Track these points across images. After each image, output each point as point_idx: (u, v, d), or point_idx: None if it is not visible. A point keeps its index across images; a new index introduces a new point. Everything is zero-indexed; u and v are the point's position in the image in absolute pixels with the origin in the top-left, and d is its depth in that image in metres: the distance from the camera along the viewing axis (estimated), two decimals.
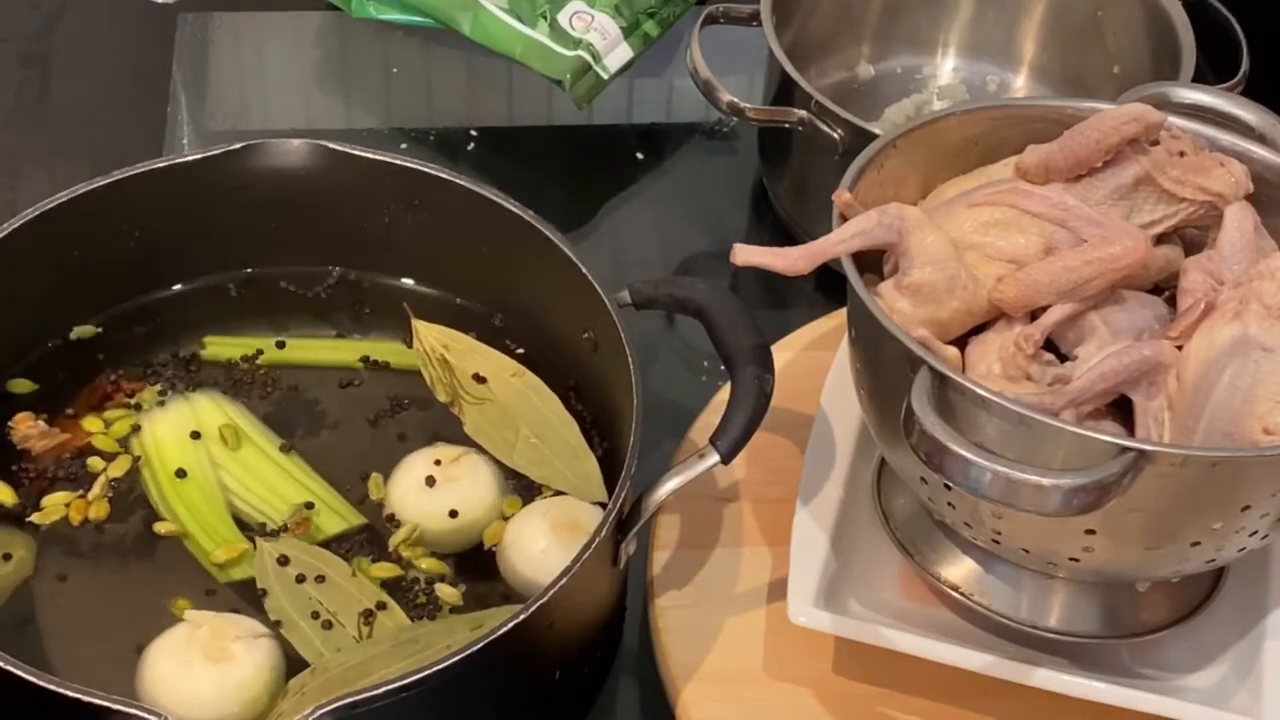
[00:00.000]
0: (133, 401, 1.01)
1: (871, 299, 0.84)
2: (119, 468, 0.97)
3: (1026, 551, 0.86)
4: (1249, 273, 0.85)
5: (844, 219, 0.87)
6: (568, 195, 1.26)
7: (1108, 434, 0.80)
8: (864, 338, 0.88)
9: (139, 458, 0.98)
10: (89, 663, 0.89)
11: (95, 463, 0.98)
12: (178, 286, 1.06)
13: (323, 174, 1.03)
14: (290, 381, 1.03)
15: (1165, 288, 0.89)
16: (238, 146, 1.02)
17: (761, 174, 1.26)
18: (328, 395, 1.03)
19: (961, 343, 0.86)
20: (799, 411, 1.00)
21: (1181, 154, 0.88)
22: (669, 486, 0.89)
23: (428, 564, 0.94)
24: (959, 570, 0.92)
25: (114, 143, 1.25)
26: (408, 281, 1.07)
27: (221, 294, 1.06)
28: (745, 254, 0.88)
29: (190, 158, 1.02)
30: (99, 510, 0.96)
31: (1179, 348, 0.83)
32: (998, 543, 0.86)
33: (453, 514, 0.95)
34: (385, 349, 1.04)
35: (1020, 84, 1.30)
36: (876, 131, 1.06)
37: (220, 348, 1.04)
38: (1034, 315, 0.85)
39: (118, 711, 0.78)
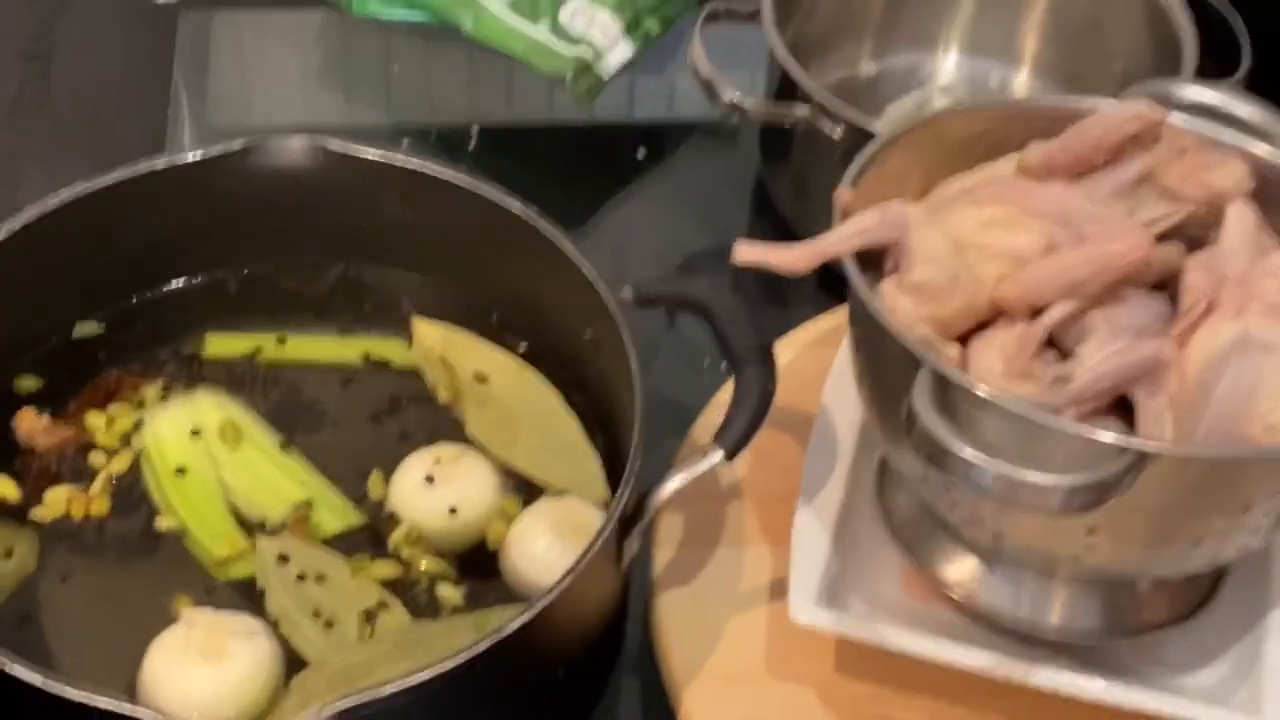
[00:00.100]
0: (135, 398, 1.01)
1: (873, 297, 0.84)
2: (120, 463, 0.98)
3: (1027, 550, 0.86)
4: (1251, 271, 0.85)
5: (845, 217, 0.87)
6: (568, 193, 1.26)
7: (1109, 433, 0.80)
8: (865, 336, 0.88)
9: (140, 454, 0.98)
10: (89, 660, 0.89)
11: (97, 458, 0.98)
12: (179, 284, 1.06)
13: (322, 173, 1.03)
14: (291, 379, 1.03)
15: (1167, 286, 0.89)
16: (236, 146, 1.02)
17: (763, 172, 1.26)
18: (329, 393, 1.03)
19: (963, 341, 0.86)
20: (800, 410, 1.00)
21: (1183, 152, 0.88)
22: (672, 485, 0.89)
23: (428, 563, 0.94)
24: (960, 569, 0.92)
25: (115, 141, 1.25)
26: (409, 279, 1.07)
27: (222, 291, 1.06)
28: (746, 252, 0.88)
29: (190, 158, 1.02)
30: (100, 506, 0.96)
31: (1180, 346, 0.83)
32: (999, 542, 0.86)
33: (452, 511, 0.95)
34: (387, 346, 1.04)
35: (1022, 81, 1.29)
36: (878, 129, 1.06)
37: (221, 345, 1.04)
38: (1035, 314, 0.85)
39: (117, 713, 0.78)
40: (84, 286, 1.02)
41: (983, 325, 0.87)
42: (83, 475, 0.97)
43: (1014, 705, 0.90)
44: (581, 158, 1.30)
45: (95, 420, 0.99)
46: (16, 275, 0.97)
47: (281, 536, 0.94)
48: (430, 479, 0.95)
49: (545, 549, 0.92)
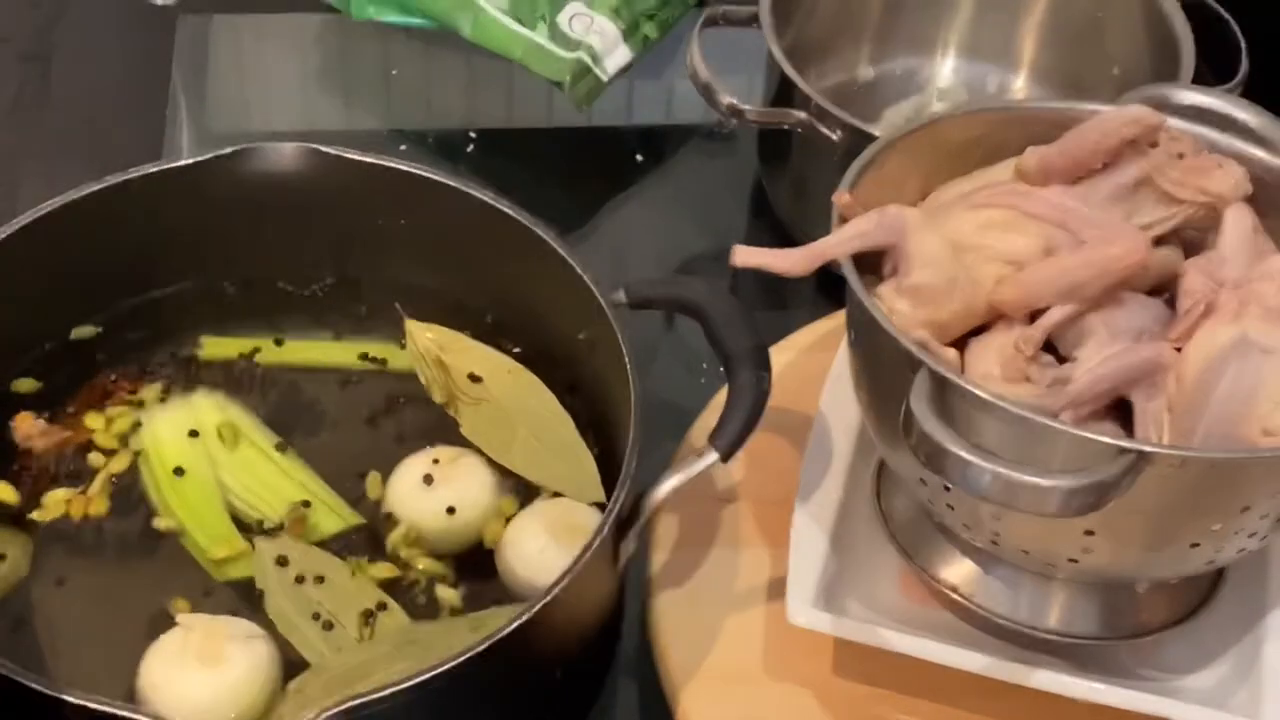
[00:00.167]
0: (134, 399, 1.01)
1: (871, 300, 0.84)
2: (119, 464, 0.98)
3: (1026, 553, 0.86)
4: (1248, 274, 0.85)
5: (844, 220, 0.87)
6: (567, 197, 1.26)
7: (1107, 435, 0.80)
8: (863, 339, 0.88)
9: (139, 454, 0.98)
10: (86, 664, 0.89)
11: (96, 459, 0.98)
12: (176, 287, 1.06)
13: (315, 177, 1.03)
14: (288, 381, 1.03)
15: (1165, 289, 0.89)
16: (229, 151, 1.02)
17: (761, 176, 1.26)
18: (326, 394, 1.03)
19: (961, 344, 0.86)
20: (798, 412, 1.00)
21: (1181, 156, 0.88)
22: (668, 485, 0.89)
23: (425, 564, 0.94)
24: (958, 571, 0.92)
25: (113, 143, 1.25)
26: (404, 281, 1.06)
27: (219, 294, 1.06)
28: (745, 255, 0.88)
29: (183, 162, 1.02)
30: (99, 506, 0.96)
31: (1178, 349, 0.83)
32: (997, 544, 0.86)
33: (450, 511, 0.95)
34: (383, 349, 1.05)
35: (1020, 85, 1.30)
36: (876, 133, 1.06)
37: (218, 348, 1.04)
38: (1033, 317, 0.85)
39: (116, 716, 0.78)
40: (81, 289, 1.02)
41: (981, 328, 0.87)
42: (81, 477, 0.97)
43: (1012, 707, 0.90)
44: (580, 161, 1.30)
45: (93, 421, 0.99)
46: (13, 278, 0.97)
47: (280, 538, 0.94)
48: (428, 479, 0.95)
49: (540, 550, 0.92)
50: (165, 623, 0.89)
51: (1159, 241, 0.88)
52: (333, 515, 0.96)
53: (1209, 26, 1.19)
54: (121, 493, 0.97)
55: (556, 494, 0.96)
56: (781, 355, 1.07)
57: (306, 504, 0.96)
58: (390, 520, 0.95)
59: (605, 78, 1.24)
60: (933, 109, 1.27)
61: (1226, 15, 1.20)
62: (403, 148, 1.28)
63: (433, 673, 0.79)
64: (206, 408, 1.00)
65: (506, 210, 1.00)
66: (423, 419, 1.01)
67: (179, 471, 0.97)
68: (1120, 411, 0.84)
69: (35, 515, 0.95)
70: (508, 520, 0.95)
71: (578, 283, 0.96)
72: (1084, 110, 0.91)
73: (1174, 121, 0.91)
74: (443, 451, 0.97)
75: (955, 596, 0.92)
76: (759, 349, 0.92)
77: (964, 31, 1.30)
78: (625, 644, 0.97)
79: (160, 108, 1.29)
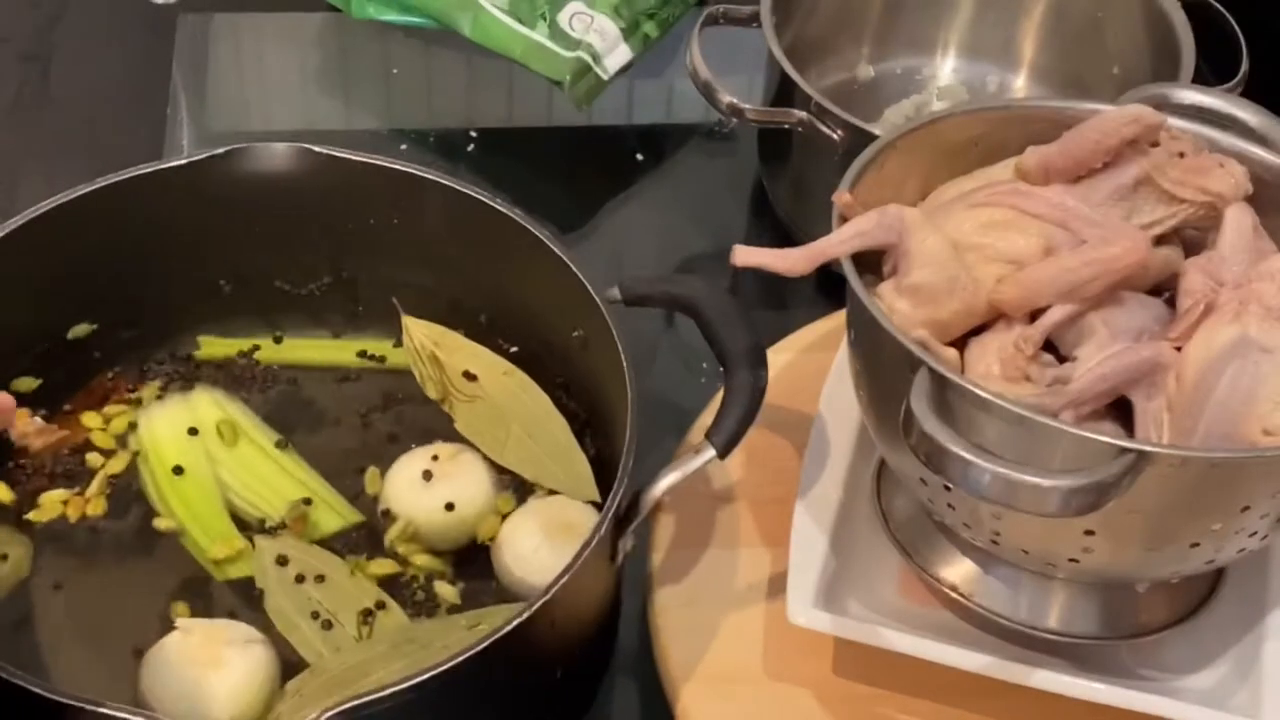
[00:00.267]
0: (133, 397, 1.01)
1: (871, 300, 0.84)
2: (117, 464, 0.98)
3: (1026, 552, 0.86)
4: (1249, 274, 0.85)
5: (844, 220, 0.87)
6: (567, 196, 1.26)
7: (1107, 435, 0.80)
8: (863, 339, 0.88)
9: (137, 454, 0.98)
10: (85, 666, 0.89)
11: (94, 459, 0.98)
12: (173, 286, 1.05)
13: (308, 177, 1.03)
14: (286, 379, 1.03)
15: (1165, 289, 0.89)
16: (222, 151, 1.02)
17: (761, 175, 1.26)
18: (325, 391, 1.03)
19: (961, 344, 0.86)
20: (798, 412, 1.00)
21: (1181, 155, 0.88)
22: (666, 482, 0.89)
23: (422, 560, 0.94)
24: (958, 571, 0.92)
25: (114, 143, 1.25)
26: (399, 280, 1.06)
27: (216, 293, 1.06)
28: (745, 255, 0.88)
29: (177, 162, 1.02)
30: (96, 507, 0.96)
31: (1178, 349, 0.83)
32: (997, 544, 0.86)
33: (449, 507, 0.95)
34: (380, 346, 1.05)
35: (1020, 85, 1.30)
36: (876, 132, 1.06)
37: (216, 346, 1.04)
38: (1033, 316, 0.85)
39: (115, 718, 0.78)
40: (78, 288, 1.02)
41: (981, 328, 0.87)
42: (79, 476, 0.97)
43: (1011, 707, 0.90)
44: (580, 160, 1.30)
45: (91, 420, 0.99)
46: (10, 277, 0.97)
47: (280, 537, 0.94)
48: (428, 475, 0.95)
49: (534, 549, 0.92)
50: (164, 624, 0.89)
51: (1159, 241, 0.88)
52: (332, 513, 0.96)
53: (1209, 26, 1.19)
54: (119, 493, 0.97)
55: (552, 491, 0.96)
56: (782, 355, 1.07)
57: (308, 501, 0.96)
58: (388, 516, 0.95)
59: (605, 77, 1.24)
60: (933, 108, 1.27)
61: (1227, 14, 1.20)
62: (403, 147, 1.28)
63: (432, 672, 0.79)
64: (205, 406, 1.01)
65: (500, 208, 1.00)
66: (420, 416, 1.01)
67: (178, 470, 0.97)
68: (1120, 411, 0.84)
69: (31, 515, 0.95)
70: (504, 517, 0.95)
71: (572, 280, 0.96)
72: (1084, 110, 0.91)
73: (1174, 121, 0.91)
74: (442, 448, 0.97)
75: (955, 596, 0.92)
76: (755, 345, 0.92)
77: (964, 31, 1.30)
78: (625, 643, 0.97)
79: (160, 108, 1.29)
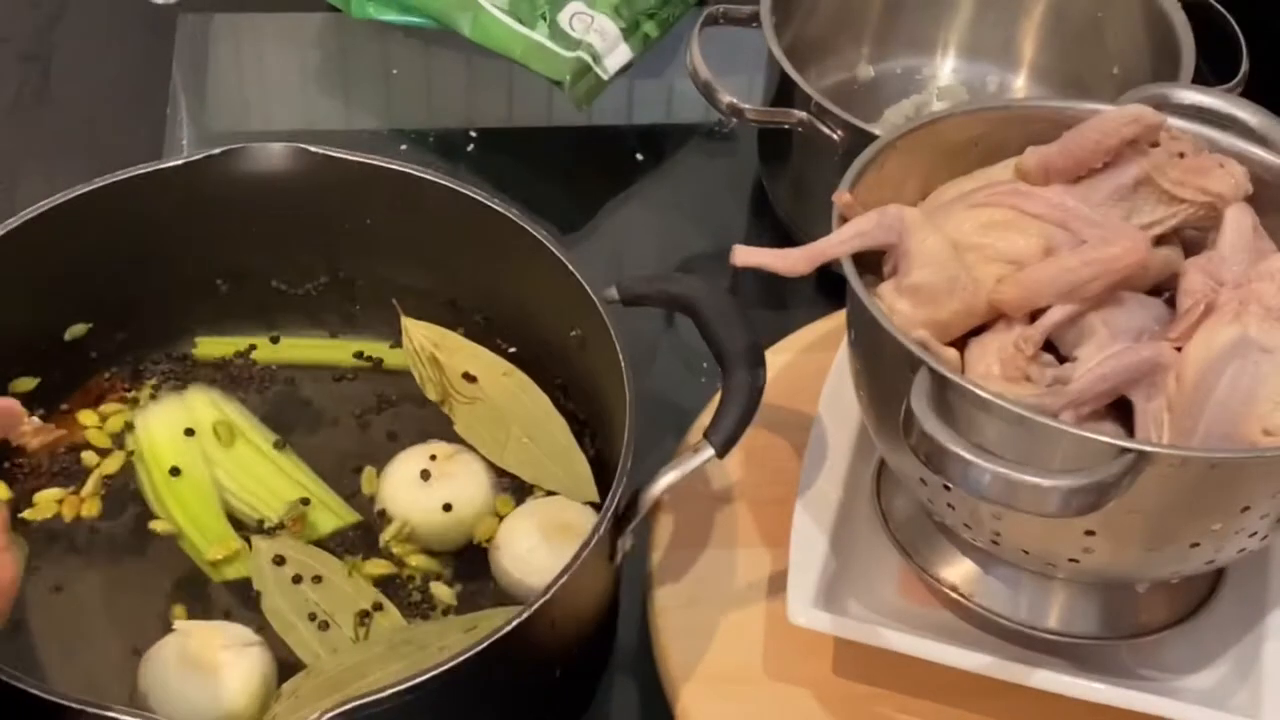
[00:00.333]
0: (129, 397, 1.01)
1: (871, 300, 0.84)
2: (113, 464, 0.98)
3: (1026, 552, 0.86)
4: (1249, 274, 0.85)
5: (844, 220, 0.87)
6: (567, 196, 1.26)
7: (1107, 435, 0.80)
8: (863, 339, 0.88)
9: (133, 453, 0.98)
10: (81, 668, 0.89)
11: (89, 458, 0.98)
12: (169, 286, 1.05)
13: (305, 177, 1.03)
14: (283, 379, 1.03)
15: (1165, 289, 0.89)
16: (218, 151, 1.02)
17: (761, 175, 1.26)
18: (321, 391, 1.03)
19: (961, 344, 0.86)
20: (798, 412, 1.00)
21: (1181, 155, 0.88)
22: (664, 481, 0.89)
23: (417, 560, 0.94)
24: (958, 571, 0.92)
25: (113, 143, 1.25)
26: (397, 280, 1.06)
27: (213, 293, 1.06)
28: (745, 255, 0.88)
29: (174, 163, 1.02)
30: (92, 507, 0.96)
31: (1178, 349, 0.83)
32: (997, 544, 0.86)
33: (447, 508, 0.95)
34: (377, 347, 1.05)
35: (1020, 85, 1.30)
36: (876, 132, 1.06)
37: (212, 346, 1.04)
38: (1034, 316, 0.85)
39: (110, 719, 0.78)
40: (75, 288, 1.02)
41: (981, 328, 0.87)
42: (75, 475, 0.97)
43: (1011, 707, 0.90)
44: (580, 160, 1.30)
45: (88, 419, 0.99)
46: (9, 278, 0.97)
47: (277, 538, 0.94)
48: (426, 475, 0.95)
49: (531, 549, 0.92)
50: (161, 625, 0.89)
51: (1159, 241, 0.88)
52: (330, 513, 0.96)
53: (1209, 26, 1.19)
54: (114, 494, 0.97)
55: (550, 492, 0.96)
56: (781, 355, 1.07)
57: (305, 502, 0.96)
58: (384, 517, 0.95)
59: (605, 77, 1.24)
60: (933, 108, 1.27)
61: (1227, 15, 1.20)
62: (403, 147, 1.28)
63: (432, 673, 0.79)
64: (202, 406, 1.01)
65: (497, 208, 1.00)
66: (417, 417, 1.01)
67: (175, 471, 0.97)
68: (1120, 411, 0.84)
69: (27, 514, 0.95)
70: (501, 519, 0.95)
71: (570, 280, 0.96)
72: (1084, 110, 0.91)
73: (1174, 121, 0.90)
74: (440, 447, 0.97)
75: (955, 596, 0.92)
76: (753, 345, 0.92)
77: (964, 31, 1.30)
78: (624, 643, 0.97)
79: (160, 108, 1.29)
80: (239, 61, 1.39)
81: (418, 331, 1.03)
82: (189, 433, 0.99)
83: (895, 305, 0.85)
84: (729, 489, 1.01)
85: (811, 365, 1.04)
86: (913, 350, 0.81)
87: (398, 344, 1.04)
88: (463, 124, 1.31)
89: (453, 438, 0.99)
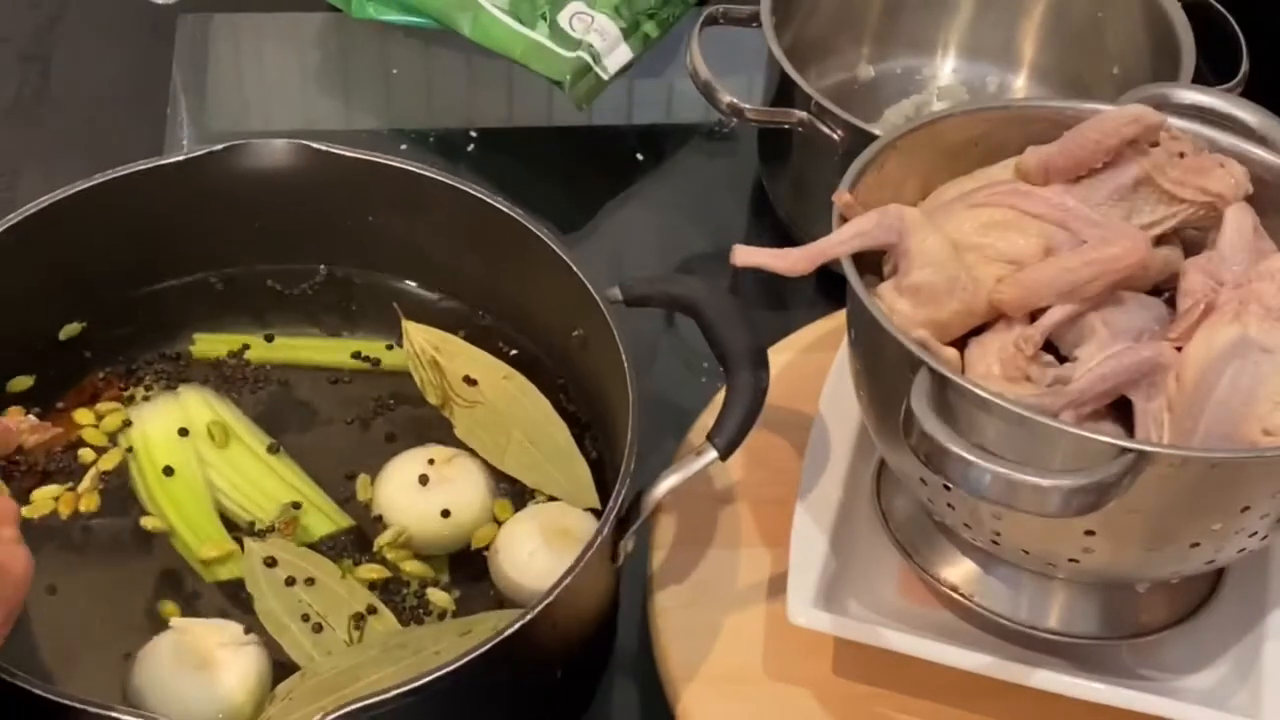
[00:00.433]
0: (125, 394, 1.01)
1: (871, 300, 0.84)
2: (110, 461, 0.97)
3: (1026, 552, 0.86)
4: (1249, 274, 0.85)
5: (844, 220, 0.87)
6: (567, 196, 1.26)
7: (1107, 435, 0.80)
8: (864, 339, 0.88)
9: (130, 451, 0.98)
10: (75, 665, 0.89)
11: (86, 454, 0.98)
12: (165, 284, 1.06)
13: (307, 173, 1.03)
14: (279, 379, 1.03)
15: (1165, 289, 0.89)
16: (220, 147, 1.02)
17: (761, 175, 1.26)
18: (317, 393, 1.02)
19: (961, 344, 0.86)
20: (798, 412, 1.00)
21: (1181, 155, 0.88)
22: (667, 484, 0.89)
23: (411, 566, 0.93)
24: (958, 571, 0.92)
25: (113, 143, 1.25)
26: (396, 280, 1.06)
27: (209, 292, 1.06)
28: (745, 255, 0.88)
29: (174, 159, 1.02)
30: (89, 503, 0.96)
31: (1179, 349, 0.83)
32: (997, 544, 0.86)
33: (445, 514, 0.94)
34: (375, 347, 1.04)
35: (1020, 85, 1.30)
36: (876, 132, 1.06)
37: (208, 345, 1.04)
38: (1034, 316, 0.85)
39: (109, 718, 0.78)
40: (71, 287, 1.02)
41: (981, 328, 0.87)
42: (71, 473, 0.97)
43: (1011, 707, 0.90)
44: (580, 160, 1.30)
45: (83, 418, 0.99)
46: (7, 276, 0.97)
47: (269, 539, 0.94)
48: (424, 479, 0.95)
49: (532, 554, 0.92)
50: (154, 623, 0.89)
51: (1159, 241, 0.88)
52: (322, 517, 0.95)
53: (1209, 26, 1.19)
54: (112, 490, 0.96)
55: (551, 497, 0.96)
56: (781, 355, 1.07)
57: (297, 505, 0.95)
58: (380, 522, 0.95)
59: (605, 77, 1.24)
60: (933, 108, 1.27)
61: (1227, 14, 1.20)
62: (403, 147, 1.28)
63: (436, 675, 0.79)
64: (197, 405, 1.00)
65: (500, 207, 1.00)
66: (414, 419, 1.01)
67: (168, 471, 0.97)
68: (1120, 411, 0.84)
69: (24, 512, 0.94)
70: (500, 523, 0.95)
71: (573, 280, 0.96)
72: (1084, 110, 0.91)
73: (1174, 121, 0.90)
74: (438, 451, 0.97)
75: (955, 596, 0.92)
76: (756, 346, 0.92)
77: (964, 31, 1.30)
78: (624, 643, 0.97)
79: (160, 108, 1.29)
80: (239, 61, 1.39)
81: (418, 335, 1.03)
82: (183, 432, 0.99)
83: (895, 305, 0.85)
84: (729, 489, 1.01)
85: (811, 365, 1.04)
86: (913, 350, 0.81)
87: (394, 345, 1.04)
88: (463, 124, 1.31)
89: (451, 440, 0.99)
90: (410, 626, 0.91)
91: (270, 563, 0.92)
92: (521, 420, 0.99)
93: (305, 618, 0.90)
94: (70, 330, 1.03)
